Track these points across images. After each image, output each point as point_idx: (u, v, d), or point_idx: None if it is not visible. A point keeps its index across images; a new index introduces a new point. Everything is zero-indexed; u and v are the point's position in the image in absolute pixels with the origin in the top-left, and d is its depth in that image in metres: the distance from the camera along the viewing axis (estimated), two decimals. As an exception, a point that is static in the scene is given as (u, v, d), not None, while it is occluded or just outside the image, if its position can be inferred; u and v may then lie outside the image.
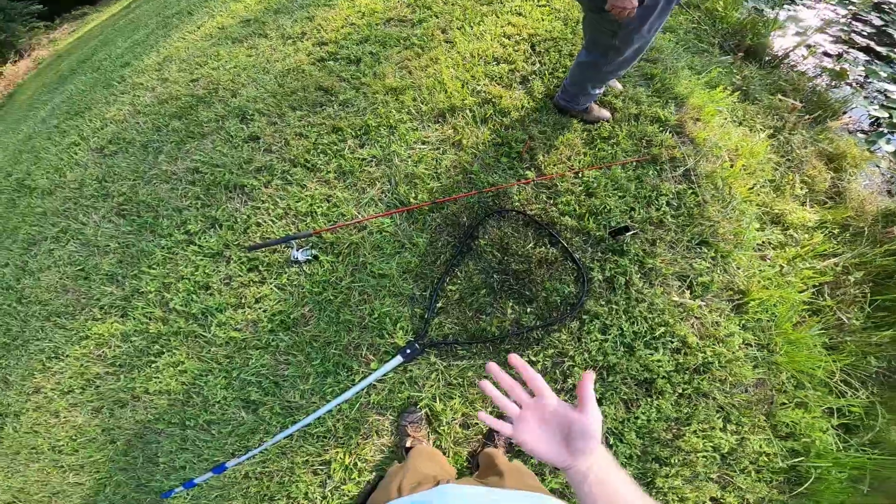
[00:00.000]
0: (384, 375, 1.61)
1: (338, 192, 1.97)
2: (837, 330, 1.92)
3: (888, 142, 3.40)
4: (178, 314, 1.88)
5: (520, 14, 2.69)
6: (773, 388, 1.68)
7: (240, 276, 1.88)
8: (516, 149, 1.97)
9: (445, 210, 1.85)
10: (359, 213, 1.90)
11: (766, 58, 3.37)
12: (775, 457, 1.59)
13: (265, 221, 1.97)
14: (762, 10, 4.59)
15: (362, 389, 1.60)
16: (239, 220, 2.00)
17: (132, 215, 2.21)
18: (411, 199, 1.89)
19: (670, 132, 2.08)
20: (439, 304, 1.67)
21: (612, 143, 2.00)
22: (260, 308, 1.81)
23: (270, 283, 1.83)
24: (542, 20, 2.61)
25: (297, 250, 1.80)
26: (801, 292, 1.86)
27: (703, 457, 1.55)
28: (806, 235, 2.07)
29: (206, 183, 2.16)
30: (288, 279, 1.82)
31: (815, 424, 1.65)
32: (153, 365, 1.82)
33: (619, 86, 2.23)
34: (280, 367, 1.73)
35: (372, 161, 2.04)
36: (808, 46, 4.21)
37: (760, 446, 1.59)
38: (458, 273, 1.72)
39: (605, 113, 2.08)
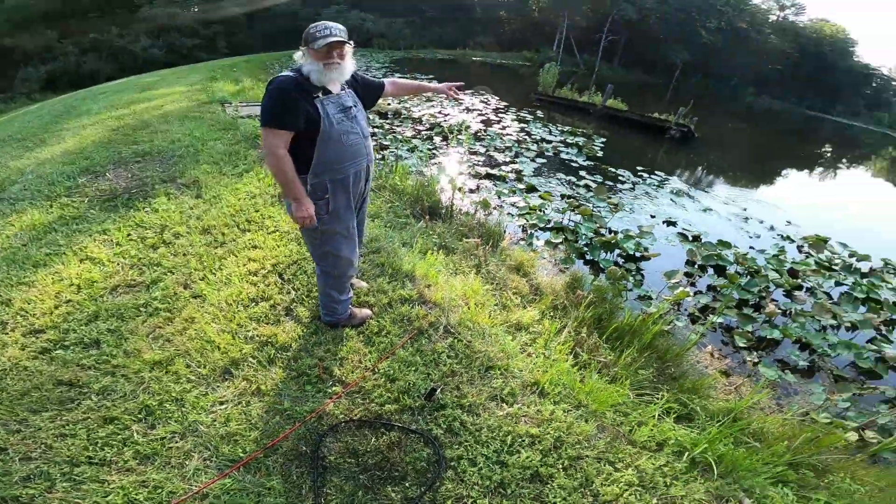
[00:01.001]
0: None
1: (152, 474, 1.69)
2: (605, 367, 2.74)
3: (537, 238, 5.08)
4: None
5: (255, 247, 3.00)
6: (612, 425, 2.19)
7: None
8: (314, 374, 2.16)
9: (281, 449, 1.84)
10: (190, 485, 1.68)
11: (443, 210, 4.65)
12: (673, 461, 2.02)
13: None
14: (422, 172, 6.26)
15: None
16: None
17: None
18: (241, 454, 1.80)
19: (418, 305, 2.67)
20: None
21: (385, 334, 2.42)
22: None
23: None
24: (278, 247, 2.99)
25: None
26: (566, 361, 2.55)
27: (631, 494, 1.83)
28: (540, 327, 2.89)
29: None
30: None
31: (663, 427, 2.18)
32: None
33: (364, 284, 2.75)
34: None
35: (174, 437, 1.85)
36: (459, 189, 5.92)
37: (653, 464, 1.98)
38: (329, 490, 1.72)
39: (367, 311, 2.52)
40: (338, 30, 1.83)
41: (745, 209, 7.32)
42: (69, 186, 4.18)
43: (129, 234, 3.30)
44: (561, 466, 1.92)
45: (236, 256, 2.91)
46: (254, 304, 2.54)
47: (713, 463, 2.04)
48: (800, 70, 36.22)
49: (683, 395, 2.65)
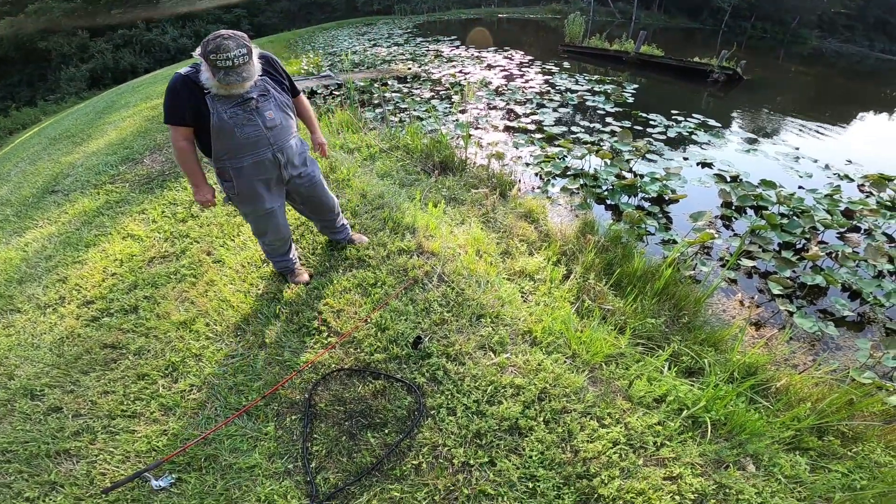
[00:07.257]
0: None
1: (171, 424, 1.99)
2: (611, 315, 2.63)
3: (553, 185, 5.00)
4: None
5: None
6: (608, 378, 2.07)
7: (103, 512, 1.70)
8: (313, 325, 2.35)
9: (278, 397, 2.05)
10: (200, 432, 1.96)
11: (455, 165, 4.67)
12: (668, 419, 1.89)
13: (109, 470, 1.86)
14: (437, 130, 6.19)
15: None
16: (79, 475, 1.84)
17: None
18: (243, 403, 2.04)
19: (416, 255, 2.79)
20: (313, 465, 1.82)
21: (381, 285, 2.57)
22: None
23: (142, 509, 1.71)
24: (288, 212, 3.16)
25: (157, 480, 1.78)
26: (566, 308, 2.49)
27: (615, 453, 1.75)
28: (545, 274, 2.86)
29: (25, 457, 1.93)
30: (161, 502, 1.74)
31: (664, 382, 2.05)
32: None
33: (364, 239, 2.89)
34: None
35: (192, 389, 2.13)
36: (474, 143, 5.86)
37: (645, 422, 1.87)
38: (316, 435, 1.90)
39: (305, 277, 2.65)
40: (236, 51, 1.74)
41: (797, 148, 6.71)
42: (113, 174, 4.61)
43: (162, 211, 3.64)
44: (542, 419, 1.88)
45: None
46: (265, 264, 2.77)
47: (709, 422, 1.91)
48: (867, 13, 31.59)
49: (696, 347, 2.46)
